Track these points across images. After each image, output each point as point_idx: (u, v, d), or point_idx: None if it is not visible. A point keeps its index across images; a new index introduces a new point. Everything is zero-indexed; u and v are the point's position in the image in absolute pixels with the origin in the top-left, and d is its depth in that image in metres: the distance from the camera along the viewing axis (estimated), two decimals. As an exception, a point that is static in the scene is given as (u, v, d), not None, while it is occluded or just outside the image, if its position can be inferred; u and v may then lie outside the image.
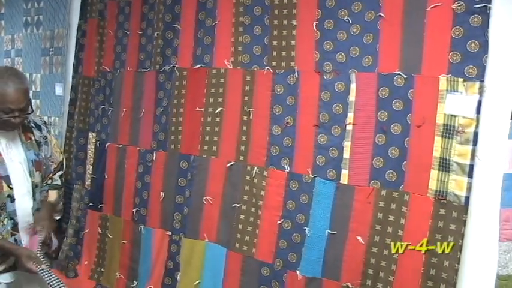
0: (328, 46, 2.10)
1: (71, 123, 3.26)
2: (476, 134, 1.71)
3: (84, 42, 3.17)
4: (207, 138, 2.52)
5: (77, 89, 3.20)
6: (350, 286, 2.02)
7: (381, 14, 1.94)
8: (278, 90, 2.26)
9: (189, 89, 2.60)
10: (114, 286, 2.91)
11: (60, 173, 2.34)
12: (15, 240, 2.07)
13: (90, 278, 3.03)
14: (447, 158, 1.77)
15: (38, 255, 1.98)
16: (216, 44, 2.48)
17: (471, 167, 1.72)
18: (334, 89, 2.08)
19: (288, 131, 2.23)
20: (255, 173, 2.33)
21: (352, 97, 2.03)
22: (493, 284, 1.70)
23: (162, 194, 2.69)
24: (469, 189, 1.73)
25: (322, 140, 2.12)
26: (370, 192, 1.97)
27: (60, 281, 1.92)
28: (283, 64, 2.24)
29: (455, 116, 1.75)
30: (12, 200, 2.03)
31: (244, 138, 2.38)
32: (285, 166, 2.24)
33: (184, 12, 2.62)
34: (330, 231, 2.09)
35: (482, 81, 1.70)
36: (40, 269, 1.93)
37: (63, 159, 2.40)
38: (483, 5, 1.68)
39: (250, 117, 2.35)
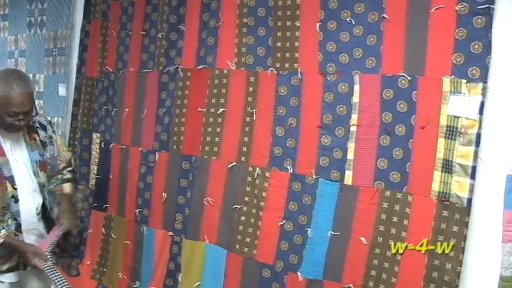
0: (331, 47, 2.10)
1: (74, 124, 3.27)
2: (479, 136, 1.71)
3: (87, 42, 3.19)
4: (208, 138, 2.52)
5: (81, 90, 3.22)
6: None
7: (384, 15, 1.94)
8: (282, 91, 2.26)
9: (191, 90, 2.61)
10: (116, 286, 2.91)
11: (69, 169, 2.32)
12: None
13: (91, 277, 3.04)
14: (450, 159, 1.77)
15: (45, 252, 1.98)
16: (220, 45, 2.48)
17: (474, 168, 1.72)
18: (338, 90, 2.09)
19: (291, 132, 2.23)
20: (257, 174, 2.32)
21: (356, 98, 2.03)
22: (496, 285, 1.69)
23: (164, 194, 2.70)
24: (471, 190, 1.73)
25: (326, 141, 2.12)
26: (375, 193, 1.97)
27: (64, 279, 1.93)
28: (286, 65, 2.25)
29: (458, 117, 1.75)
30: (16, 200, 2.03)
31: (246, 139, 2.38)
32: (288, 167, 2.24)
33: (188, 14, 2.62)
34: (332, 232, 2.09)
35: (485, 82, 1.70)
36: (45, 265, 1.94)
37: (71, 156, 2.39)
38: (486, 6, 1.68)
39: (254, 118, 2.35)
